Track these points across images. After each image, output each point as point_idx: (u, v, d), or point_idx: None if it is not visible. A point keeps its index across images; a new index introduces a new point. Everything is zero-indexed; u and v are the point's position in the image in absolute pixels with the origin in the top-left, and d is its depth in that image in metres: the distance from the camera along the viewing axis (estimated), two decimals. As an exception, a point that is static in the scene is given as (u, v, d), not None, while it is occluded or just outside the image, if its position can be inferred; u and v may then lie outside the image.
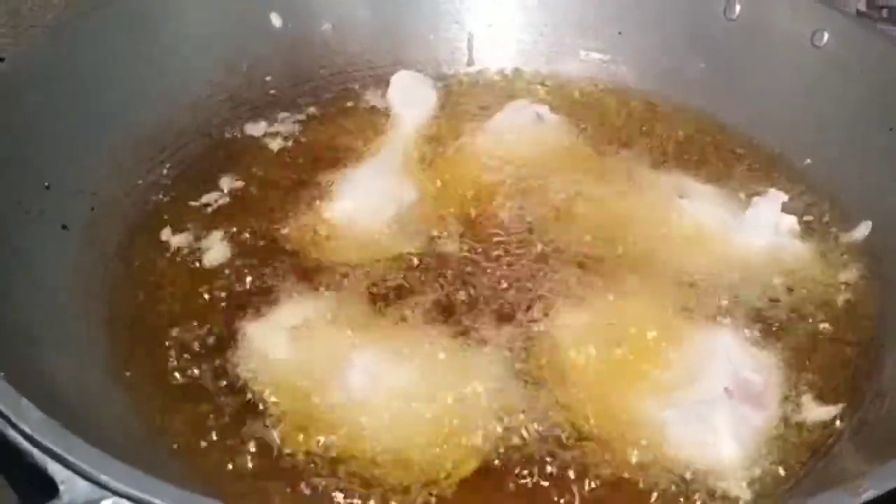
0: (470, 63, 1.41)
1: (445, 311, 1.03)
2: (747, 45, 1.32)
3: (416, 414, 0.92)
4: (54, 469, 0.67)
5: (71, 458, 0.67)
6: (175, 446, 0.90)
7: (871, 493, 0.70)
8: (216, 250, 1.09)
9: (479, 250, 1.12)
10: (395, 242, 1.12)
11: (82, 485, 0.66)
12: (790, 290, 1.09)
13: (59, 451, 0.67)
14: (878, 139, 1.18)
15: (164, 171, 1.19)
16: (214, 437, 0.91)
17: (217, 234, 1.12)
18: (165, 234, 1.12)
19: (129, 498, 0.65)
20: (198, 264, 1.08)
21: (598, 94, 1.37)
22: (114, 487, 0.65)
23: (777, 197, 1.16)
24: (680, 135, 1.30)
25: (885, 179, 1.16)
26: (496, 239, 1.13)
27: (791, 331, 1.04)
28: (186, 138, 1.23)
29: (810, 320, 1.06)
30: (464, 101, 1.36)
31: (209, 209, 1.15)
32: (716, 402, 0.93)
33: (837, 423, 0.95)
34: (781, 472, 0.91)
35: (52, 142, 1.06)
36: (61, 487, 0.66)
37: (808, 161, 1.24)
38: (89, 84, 1.14)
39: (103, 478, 0.65)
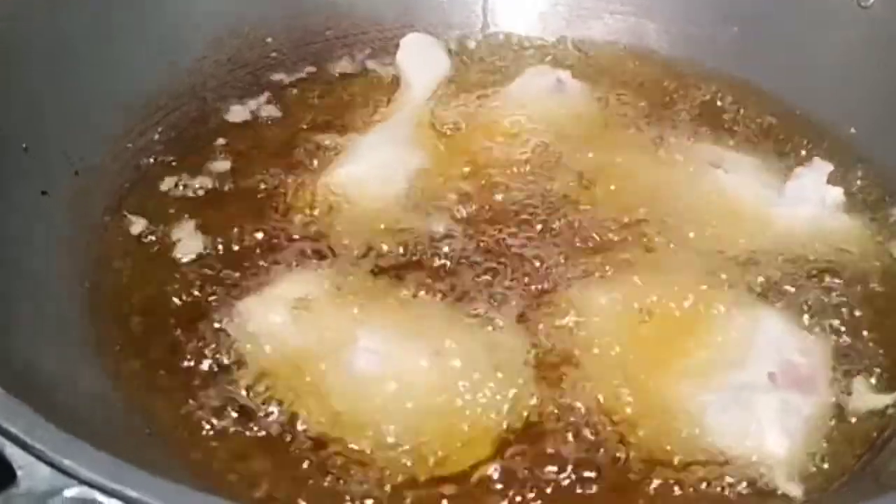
0: (485, 27, 1.31)
1: (458, 289, 0.94)
2: (784, 7, 1.22)
3: (426, 395, 0.84)
4: (12, 453, 0.58)
5: (31, 441, 0.58)
6: (160, 431, 0.82)
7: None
8: (211, 221, 1.00)
9: (496, 224, 1.02)
10: (403, 215, 1.03)
11: (44, 471, 0.57)
12: (838, 266, 1.00)
13: (17, 432, 0.58)
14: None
15: (156, 136, 1.11)
16: (204, 421, 0.83)
17: (210, 202, 1.03)
18: (155, 203, 1.03)
19: (96, 487, 0.55)
20: (188, 233, 1.00)
21: (624, 60, 1.28)
22: (80, 475, 0.56)
23: (822, 167, 1.07)
24: (713, 102, 1.21)
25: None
26: (514, 212, 1.04)
27: (840, 310, 0.95)
28: (181, 101, 1.15)
29: (861, 299, 0.96)
30: (479, 66, 1.27)
31: (203, 176, 1.06)
32: (759, 389, 0.84)
33: (893, 409, 0.86)
34: (834, 465, 0.82)
35: (29, 102, 0.97)
36: (19, 473, 0.57)
37: (853, 130, 1.15)
38: (78, 45, 1.06)
39: (67, 463, 0.56)
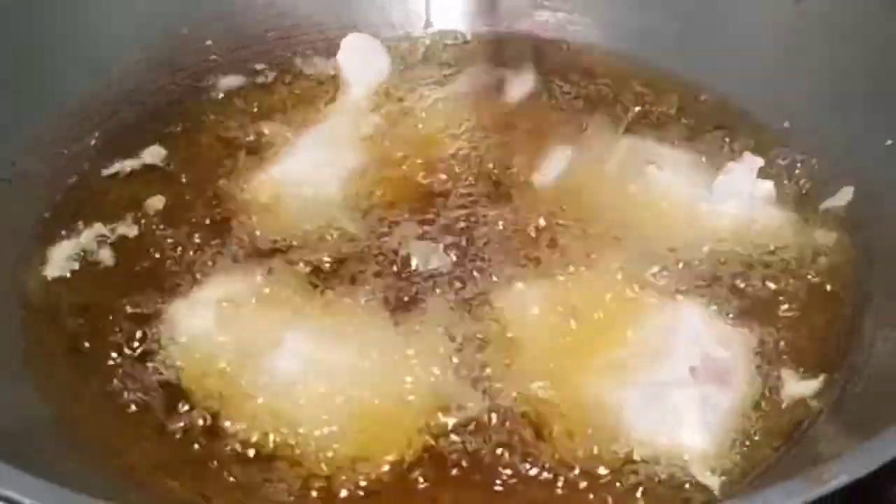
0: (427, 26, 1.31)
1: (391, 288, 0.95)
2: (722, 4, 1.23)
3: (351, 398, 0.85)
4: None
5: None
6: (83, 436, 0.82)
7: (842, 479, 0.62)
8: (142, 223, 1.01)
9: (433, 223, 1.03)
10: (337, 215, 1.04)
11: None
12: (765, 260, 1.01)
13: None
14: (861, 101, 1.09)
15: (92, 142, 1.11)
16: (128, 424, 0.84)
17: (146, 206, 1.04)
18: (88, 207, 1.04)
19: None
20: (121, 238, 1.00)
21: (564, 56, 1.28)
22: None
23: (752, 161, 1.08)
24: (651, 98, 1.21)
25: (867, 143, 1.07)
26: (451, 211, 1.05)
27: (766, 303, 0.96)
28: (117, 107, 1.15)
29: (786, 292, 0.98)
30: (421, 65, 1.27)
31: (137, 180, 1.07)
32: (680, 383, 0.85)
33: (815, 401, 0.88)
34: (753, 457, 0.84)
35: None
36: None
37: (787, 124, 1.15)
38: (7, 49, 1.06)
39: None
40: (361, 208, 1.05)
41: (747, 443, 0.84)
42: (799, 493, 0.61)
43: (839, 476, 0.62)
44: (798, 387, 0.88)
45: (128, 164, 1.09)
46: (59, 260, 0.98)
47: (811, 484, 0.61)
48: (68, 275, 0.98)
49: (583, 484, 0.81)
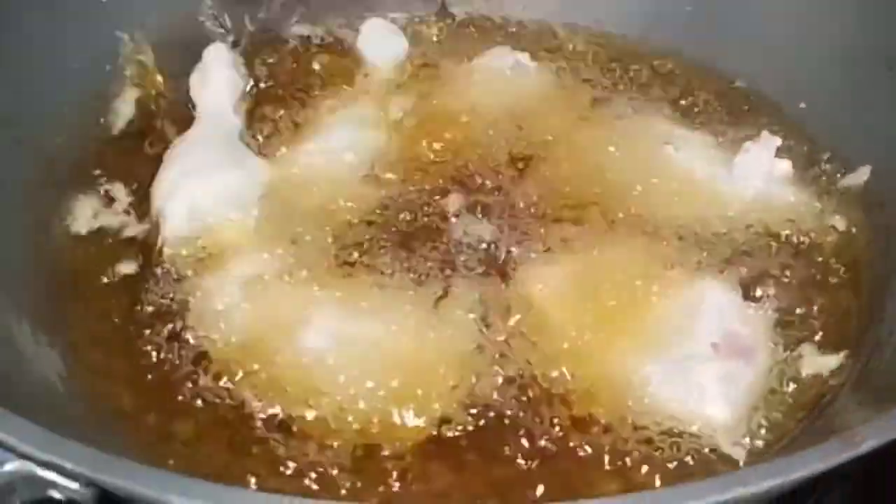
0: (443, 9, 1.32)
1: (415, 266, 0.96)
2: (737, -15, 1.24)
3: (377, 371, 0.86)
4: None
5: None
6: (111, 410, 0.83)
7: (870, 444, 0.63)
8: (171, 210, 1.00)
9: (456, 202, 1.04)
10: (361, 195, 1.05)
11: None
12: (785, 238, 1.02)
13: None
14: (877, 79, 1.10)
15: (111, 122, 1.12)
16: (156, 399, 0.85)
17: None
18: (109, 186, 1.05)
19: (34, 460, 0.57)
20: (147, 217, 1.01)
21: (581, 40, 1.28)
22: (17, 448, 0.57)
23: (770, 141, 1.08)
24: (666, 80, 1.22)
25: (884, 121, 1.08)
26: (477, 187, 1.06)
27: (786, 280, 0.97)
28: (125, 92, 1.15)
29: (806, 269, 0.99)
30: (438, 49, 1.28)
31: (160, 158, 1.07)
32: (701, 359, 0.86)
33: (836, 377, 0.89)
34: (777, 430, 0.85)
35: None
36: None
37: (803, 105, 1.17)
38: (33, 33, 1.07)
39: (2, 436, 0.57)
40: (387, 185, 1.06)
41: (771, 416, 0.86)
42: (831, 456, 0.62)
43: (869, 440, 0.63)
44: (819, 362, 0.89)
45: (148, 143, 1.10)
46: (84, 236, 0.99)
47: (844, 447, 0.62)
48: (90, 249, 0.99)
49: (608, 457, 0.82)
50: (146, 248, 0.98)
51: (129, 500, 0.59)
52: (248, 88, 1.18)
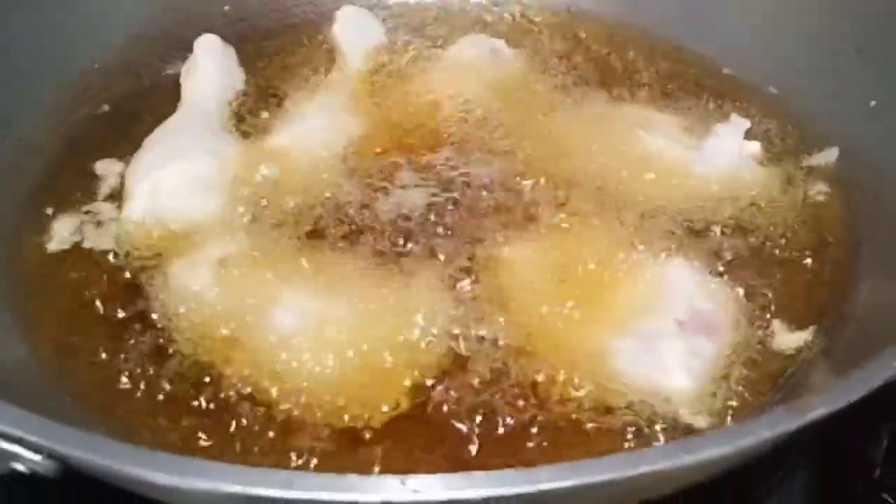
0: (421, -5, 1.34)
1: (386, 245, 0.98)
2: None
3: (348, 352, 0.87)
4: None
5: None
6: (84, 395, 0.85)
7: (818, 413, 0.64)
8: (140, 190, 1.02)
9: (427, 186, 1.06)
10: (336, 177, 1.06)
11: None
12: (753, 217, 1.03)
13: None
14: (845, 62, 1.12)
15: (91, 112, 1.14)
16: (128, 383, 0.87)
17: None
18: (86, 175, 1.06)
19: (18, 441, 0.58)
20: (120, 204, 1.02)
21: (556, 25, 1.30)
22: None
23: (739, 124, 1.10)
24: (640, 65, 1.24)
25: (852, 103, 1.09)
26: (445, 174, 1.07)
27: (755, 258, 0.99)
28: (114, 78, 1.17)
29: (774, 247, 1.00)
30: (414, 36, 1.29)
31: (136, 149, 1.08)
32: (667, 335, 0.88)
33: (802, 351, 0.90)
34: (742, 401, 0.86)
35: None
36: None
37: (774, 89, 1.18)
38: (11, 16, 1.09)
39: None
40: (358, 171, 1.07)
41: (737, 389, 0.87)
42: (779, 424, 0.63)
43: (817, 409, 0.64)
44: (787, 337, 0.91)
45: (124, 133, 1.10)
46: (56, 221, 1.01)
47: (792, 415, 0.63)
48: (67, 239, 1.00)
49: (572, 429, 0.83)
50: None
51: (91, 471, 0.60)
52: (241, 80, 1.19)
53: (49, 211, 1.02)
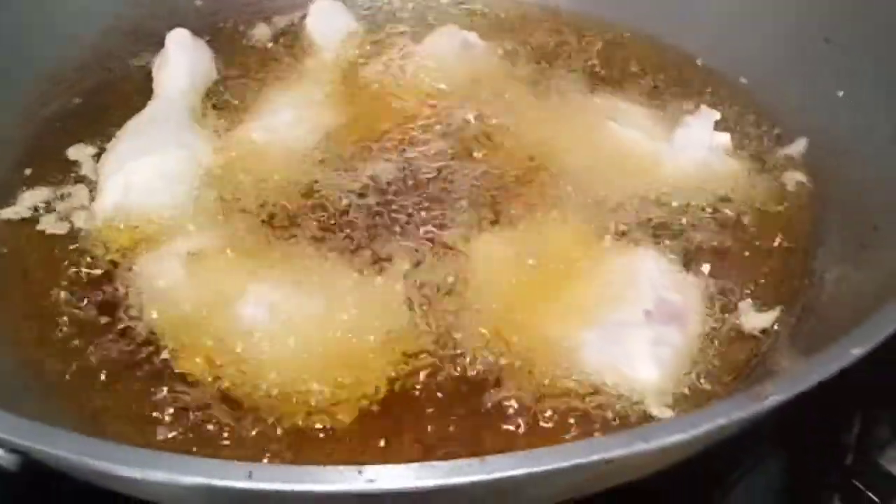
0: (393, -12, 1.34)
1: (354, 239, 0.98)
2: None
3: (316, 343, 0.87)
4: None
5: None
6: (55, 390, 0.85)
7: (775, 399, 0.65)
8: (112, 184, 1.02)
9: (400, 178, 1.06)
10: (307, 171, 1.06)
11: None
12: (723, 207, 1.04)
13: None
14: (815, 54, 1.12)
15: (63, 105, 1.14)
16: (97, 376, 0.87)
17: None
18: (57, 170, 1.06)
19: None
20: (90, 198, 1.02)
21: (528, 17, 1.30)
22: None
23: (709, 114, 1.11)
24: (612, 56, 1.24)
25: (820, 93, 1.10)
26: (416, 166, 1.08)
27: (722, 247, 0.99)
28: (85, 73, 1.17)
29: (742, 235, 1.01)
30: (387, 29, 1.29)
31: (107, 145, 1.08)
32: (634, 325, 0.88)
33: (767, 339, 0.91)
34: (707, 390, 0.87)
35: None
36: None
37: (744, 80, 1.19)
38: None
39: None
40: (331, 163, 1.07)
41: (702, 378, 0.88)
42: (735, 411, 0.64)
43: (774, 395, 0.65)
44: (752, 323, 0.91)
45: (95, 129, 1.11)
46: (26, 218, 1.01)
47: (748, 402, 0.64)
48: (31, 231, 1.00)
49: (539, 420, 0.84)
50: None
51: (51, 464, 0.61)
52: (213, 73, 1.19)
53: (19, 201, 1.02)
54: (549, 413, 0.84)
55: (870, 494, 1.07)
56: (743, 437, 0.74)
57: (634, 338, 0.87)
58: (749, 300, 0.93)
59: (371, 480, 0.56)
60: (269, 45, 1.26)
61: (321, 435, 0.83)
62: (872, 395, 1.03)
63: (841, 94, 1.08)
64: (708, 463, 0.79)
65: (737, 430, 0.69)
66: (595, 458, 0.57)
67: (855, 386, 0.94)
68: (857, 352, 0.67)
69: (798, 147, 1.09)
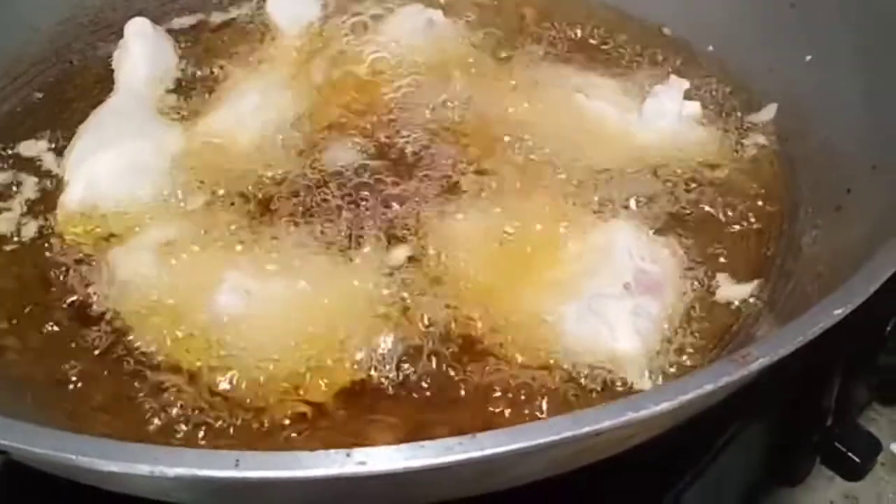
0: (355, -29, 1.31)
1: (325, 224, 0.97)
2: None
3: (294, 329, 0.86)
4: None
5: None
6: (22, 383, 0.84)
7: (760, 363, 0.65)
8: (77, 178, 1.00)
9: (367, 160, 1.05)
10: (273, 157, 1.05)
11: None
12: (694, 176, 1.04)
13: None
14: (781, 18, 1.12)
15: (23, 100, 1.12)
16: (72, 372, 0.85)
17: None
18: (16, 163, 1.04)
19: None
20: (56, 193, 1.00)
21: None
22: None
23: (678, 84, 1.10)
24: (579, 29, 1.23)
25: (788, 59, 1.10)
26: (385, 147, 1.06)
27: (697, 217, 0.99)
28: (44, 66, 1.15)
29: (715, 205, 1.01)
30: (350, 9, 1.27)
31: (69, 137, 1.06)
32: (612, 297, 0.88)
33: (747, 305, 0.91)
34: (687, 359, 0.87)
35: None
36: None
37: (711, 48, 1.19)
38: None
39: None
40: (297, 148, 1.06)
41: (682, 347, 0.88)
42: (722, 375, 0.63)
43: (760, 359, 0.65)
44: (732, 292, 0.92)
45: (55, 122, 1.09)
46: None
47: (734, 366, 0.64)
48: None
49: (522, 395, 0.83)
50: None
51: (36, 465, 0.59)
52: (175, 62, 1.17)
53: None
54: (530, 389, 0.84)
55: (850, 455, 1.08)
56: (727, 404, 0.74)
57: (614, 310, 0.87)
58: (724, 275, 0.93)
59: (361, 463, 0.55)
60: (232, 31, 1.23)
61: (302, 421, 0.82)
62: (851, 357, 1.04)
63: (809, 58, 1.09)
64: (690, 430, 0.79)
65: (723, 395, 0.69)
66: (586, 429, 0.57)
67: (834, 349, 0.95)
68: (838, 312, 0.67)
69: (768, 113, 1.09)
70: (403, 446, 0.57)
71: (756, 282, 0.92)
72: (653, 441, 0.73)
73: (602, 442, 0.66)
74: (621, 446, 0.73)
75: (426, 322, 0.88)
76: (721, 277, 0.92)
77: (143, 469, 0.56)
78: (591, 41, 1.21)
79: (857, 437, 1.09)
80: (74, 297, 0.91)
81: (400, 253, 0.94)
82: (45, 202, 1.00)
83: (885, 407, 1.17)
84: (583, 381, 0.84)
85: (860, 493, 1.08)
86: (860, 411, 1.17)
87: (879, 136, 0.96)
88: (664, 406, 0.61)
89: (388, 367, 0.85)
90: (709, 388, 0.62)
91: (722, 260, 0.95)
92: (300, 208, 0.98)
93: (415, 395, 0.84)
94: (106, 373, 0.85)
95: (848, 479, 1.07)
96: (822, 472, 1.08)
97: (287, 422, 0.82)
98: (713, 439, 0.92)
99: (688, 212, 1.00)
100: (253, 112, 1.09)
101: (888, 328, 1.06)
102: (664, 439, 0.72)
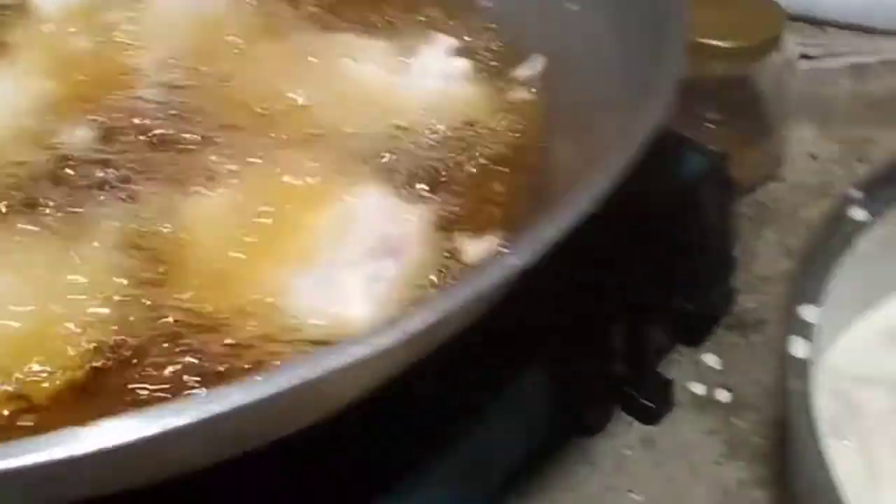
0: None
1: (54, 211, 0.92)
2: None
3: (13, 320, 0.81)
4: None
5: None
6: None
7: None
8: None
9: (111, 144, 0.99)
10: (21, 146, 0.99)
11: None
12: (459, 136, 1.01)
13: None
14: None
15: None
16: None
17: None
18: None
19: None
20: None
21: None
22: None
23: (444, 42, 1.08)
24: (352, -6, 1.19)
25: (556, 9, 1.08)
26: (135, 130, 1.01)
27: (449, 177, 0.97)
28: None
29: (474, 164, 0.98)
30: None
31: None
32: (348, 264, 0.85)
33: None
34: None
35: None
36: None
37: (486, 2, 1.16)
38: None
39: None
40: (44, 135, 1.00)
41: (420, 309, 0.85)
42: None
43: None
44: (472, 252, 0.89)
45: None
46: None
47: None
48: None
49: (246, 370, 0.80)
50: None
51: None
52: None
53: None
54: (265, 366, 0.80)
55: (643, 400, 1.08)
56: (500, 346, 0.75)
57: (347, 277, 0.84)
58: (473, 233, 0.91)
59: (97, 438, 0.51)
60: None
61: (23, 423, 0.77)
62: (640, 302, 1.04)
63: (576, 7, 1.07)
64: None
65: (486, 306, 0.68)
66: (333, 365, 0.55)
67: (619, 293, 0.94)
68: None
69: (535, 66, 1.07)
70: (137, 414, 0.53)
71: (495, 238, 0.90)
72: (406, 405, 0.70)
73: (356, 377, 0.64)
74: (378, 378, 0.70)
75: (154, 313, 0.84)
76: (464, 239, 0.90)
77: None
78: (356, 4, 1.17)
79: (650, 380, 1.10)
80: None
81: (134, 240, 0.89)
82: None
83: (687, 347, 1.17)
84: (308, 345, 0.81)
85: (657, 436, 1.07)
86: (662, 356, 1.17)
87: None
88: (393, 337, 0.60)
89: (110, 361, 0.81)
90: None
91: (472, 217, 0.93)
92: (28, 199, 0.93)
93: (142, 385, 0.80)
94: None
95: (644, 423, 1.07)
96: (623, 419, 1.08)
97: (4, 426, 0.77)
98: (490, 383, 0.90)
99: (444, 170, 0.97)
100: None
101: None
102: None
